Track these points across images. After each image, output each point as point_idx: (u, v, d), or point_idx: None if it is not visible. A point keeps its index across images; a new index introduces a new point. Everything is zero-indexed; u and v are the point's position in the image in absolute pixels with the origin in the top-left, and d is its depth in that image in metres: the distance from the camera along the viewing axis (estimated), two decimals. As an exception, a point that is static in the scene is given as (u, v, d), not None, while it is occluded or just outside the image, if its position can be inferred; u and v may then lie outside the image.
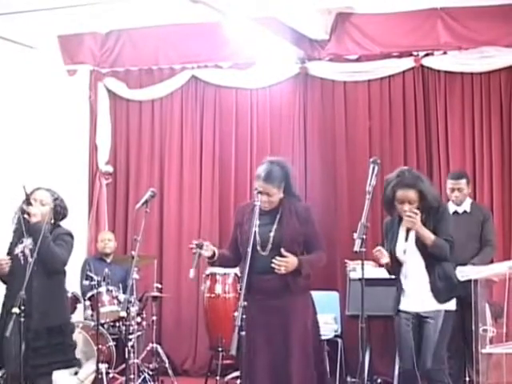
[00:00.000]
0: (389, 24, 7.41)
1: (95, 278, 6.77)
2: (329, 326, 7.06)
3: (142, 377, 6.91)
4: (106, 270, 7.05)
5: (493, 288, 5.61)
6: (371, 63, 7.56)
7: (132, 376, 6.61)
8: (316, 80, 7.82)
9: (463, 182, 6.38)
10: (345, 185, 7.64)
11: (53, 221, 5.06)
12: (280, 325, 4.55)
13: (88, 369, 6.48)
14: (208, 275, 7.11)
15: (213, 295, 7.06)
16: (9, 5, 6.67)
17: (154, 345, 7.13)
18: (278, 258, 4.50)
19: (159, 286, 7.38)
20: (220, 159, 8.11)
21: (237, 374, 6.38)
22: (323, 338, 6.81)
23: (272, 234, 4.62)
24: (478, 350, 4.73)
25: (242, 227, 4.72)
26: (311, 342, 4.62)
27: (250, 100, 8.05)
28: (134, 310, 6.78)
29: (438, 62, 7.41)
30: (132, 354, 6.64)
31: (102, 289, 6.86)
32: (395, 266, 4.87)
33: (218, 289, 7.06)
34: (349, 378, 7.14)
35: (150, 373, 6.98)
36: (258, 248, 4.58)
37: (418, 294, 4.80)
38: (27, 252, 4.96)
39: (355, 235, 4.44)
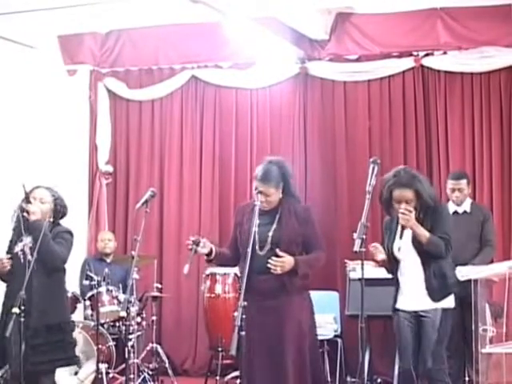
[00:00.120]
0: (389, 24, 7.41)
1: (95, 277, 6.77)
2: (329, 325, 7.07)
3: (142, 377, 6.91)
4: (106, 269, 7.05)
5: (493, 288, 5.61)
6: (371, 63, 7.56)
7: (132, 376, 6.61)
8: (316, 80, 7.82)
9: (464, 182, 6.39)
10: (345, 185, 7.65)
11: (52, 219, 5.07)
12: (275, 325, 4.55)
13: (88, 369, 6.48)
14: (208, 275, 7.11)
15: (213, 295, 7.06)
16: (9, 5, 6.66)
17: (154, 345, 7.13)
18: (273, 258, 4.51)
19: (159, 285, 7.38)
20: (220, 159, 8.11)
21: (237, 373, 6.38)
22: (323, 337, 6.85)
23: (270, 234, 4.62)
24: (477, 349, 4.73)
25: (241, 227, 4.73)
26: (307, 342, 4.61)
27: (249, 100, 8.05)
28: (133, 309, 6.78)
29: (437, 62, 7.41)
30: (132, 354, 6.64)
31: (102, 289, 6.86)
32: (392, 263, 4.88)
33: (218, 289, 7.06)
34: (349, 378, 7.15)
35: (150, 373, 6.98)
36: (257, 248, 4.59)
37: (414, 292, 4.80)
38: (27, 250, 4.97)
39: (355, 235, 4.44)
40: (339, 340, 7.13)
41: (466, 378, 6.23)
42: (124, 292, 6.82)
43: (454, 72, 7.36)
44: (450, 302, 4.81)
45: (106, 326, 6.87)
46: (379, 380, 7.03)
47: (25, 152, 7.57)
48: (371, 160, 4.71)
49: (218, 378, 6.87)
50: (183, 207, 8.17)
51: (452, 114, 7.36)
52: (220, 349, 6.83)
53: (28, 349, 4.75)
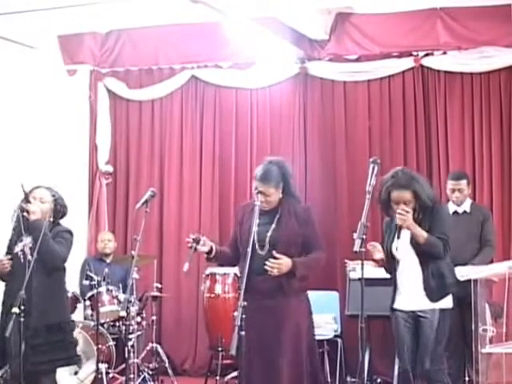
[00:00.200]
0: (388, 24, 7.41)
1: (95, 277, 6.77)
2: (328, 325, 7.08)
3: (142, 376, 6.91)
4: (106, 269, 7.06)
5: (492, 288, 5.61)
6: (371, 63, 7.56)
7: (132, 376, 6.61)
8: (316, 80, 7.82)
9: (464, 182, 6.39)
10: (345, 185, 7.65)
11: (52, 219, 5.07)
12: (273, 325, 4.55)
13: (88, 368, 6.49)
14: (208, 275, 7.11)
15: (212, 295, 7.06)
16: (8, 5, 6.66)
17: (154, 344, 7.14)
18: (270, 259, 4.50)
19: (159, 285, 7.39)
20: (220, 159, 8.11)
21: (236, 373, 6.38)
22: (323, 337, 6.86)
23: (269, 234, 4.63)
24: (477, 349, 4.73)
25: (241, 226, 4.73)
26: (304, 343, 4.61)
27: (249, 100, 8.05)
28: (133, 309, 6.78)
29: (437, 62, 7.41)
30: (132, 354, 6.64)
31: (102, 288, 6.86)
32: (391, 263, 4.88)
33: (218, 289, 7.06)
34: (348, 378, 7.15)
35: (150, 372, 6.98)
36: (256, 247, 4.59)
37: (412, 292, 4.81)
38: (27, 250, 4.97)
39: (355, 235, 4.44)
40: (339, 340, 7.13)
41: (466, 378, 6.23)
42: (124, 292, 6.82)
43: (453, 72, 7.36)
44: (447, 302, 4.81)
45: (105, 325, 6.87)
46: (379, 380, 7.03)
47: (25, 152, 7.57)
48: (371, 160, 4.71)
49: (217, 377, 6.87)
50: (183, 207, 8.17)
51: (452, 113, 7.36)
52: (220, 349, 6.84)
53: (28, 349, 4.75)
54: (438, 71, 7.42)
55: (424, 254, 4.75)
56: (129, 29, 8.15)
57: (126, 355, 6.00)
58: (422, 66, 7.44)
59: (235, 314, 4.24)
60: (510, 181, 7.16)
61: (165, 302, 7.91)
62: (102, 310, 6.71)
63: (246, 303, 4.23)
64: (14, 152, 7.48)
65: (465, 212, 6.37)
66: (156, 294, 7.27)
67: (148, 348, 7.16)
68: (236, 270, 5.45)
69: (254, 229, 4.50)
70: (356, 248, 4.41)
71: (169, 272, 8.03)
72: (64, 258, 5.03)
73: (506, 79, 7.21)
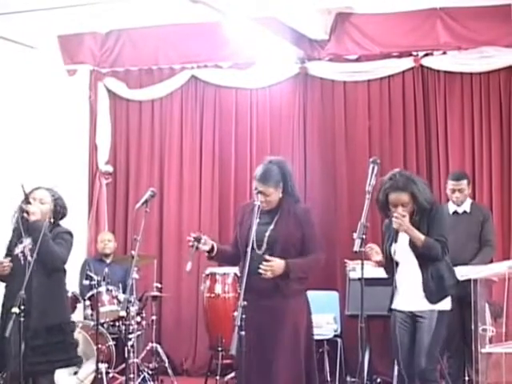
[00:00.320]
0: (388, 24, 7.41)
1: (95, 277, 6.78)
2: (328, 325, 7.08)
3: (142, 376, 6.91)
4: (106, 269, 7.06)
5: (492, 288, 5.61)
6: (371, 63, 7.56)
7: (132, 375, 6.62)
8: (316, 80, 7.82)
9: (464, 182, 6.39)
10: (345, 185, 7.65)
11: (52, 220, 5.06)
12: (270, 325, 4.55)
13: (88, 368, 6.48)
14: (208, 275, 7.12)
15: (212, 295, 7.07)
16: (8, 5, 6.67)
17: (154, 344, 7.14)
18: (264, 262, 4.50)
19: (159, 285, 7.39)
20: (220, 159, 8.11)
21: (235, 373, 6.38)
22: (323, 337, 6.87)
23: (267, 234, 4.62)
24: (477, 349, 4.74)
25: (241, 226, 4.73)
26: (302, 343, 4.61)
27: (249, 100, 8.05)
28: (133, 309, 6.78)
29: (437, 62, 7.41)
30: (132, 354, 6.65)
31: (102, 288, 6.87)
32: (390, 265, 4.88)
33: (218, 289, 7.07)
34: (348, 378, 7.15)
35: (150, 372, 6.99)
36: (255, 247, 4.58)
37: (411, 294, 4.80)
38: (27, 252, 4.96)
39: (355, 235, 4.44)
40: (339, 340, 7.14)
41: (466, 378, 6.24)
42: (124, 292, 6.83)
43: (453, 72, 7.36)
44: (446, 304, 4.80)
45: (105, 325, 6.87)
46: (379, 380, 7.04)
47: (25, 152, 7.57)
48: (371, 160, 4.71)
49: (217, 377, 6.88)
50: (183, 207, 8.17)
51: (452, 113, 7.36)
52: (220, 349, 6.84)
53: (28, 350, 4.74)
54: (438, 71, 7.43)
55: (422, 256, 4.74)
56: (129, 29, 8.15)
57: (126, 355, 6.01)
58: (421, 65, 7.45)
59: (235, 313, 4.24)
60: (510, 181, 7.16)
61: (165, 301, 7.91)
62: (101, 309, 6.71)
63: (245, 303, 4.23)
64: (13, 152, 7.48)
65: (465, 212, 6.37)
66: (156, 293, 7.27)
67: (148, 348, 7.16)
68: (236, 269, 5.45)
69: (254, 228, 4.50)
70: (356, 248, 4.41)
71: (169, 272, 8.04)
72: (64, 260, 5.02)
73: (505, 79, 7.22)
